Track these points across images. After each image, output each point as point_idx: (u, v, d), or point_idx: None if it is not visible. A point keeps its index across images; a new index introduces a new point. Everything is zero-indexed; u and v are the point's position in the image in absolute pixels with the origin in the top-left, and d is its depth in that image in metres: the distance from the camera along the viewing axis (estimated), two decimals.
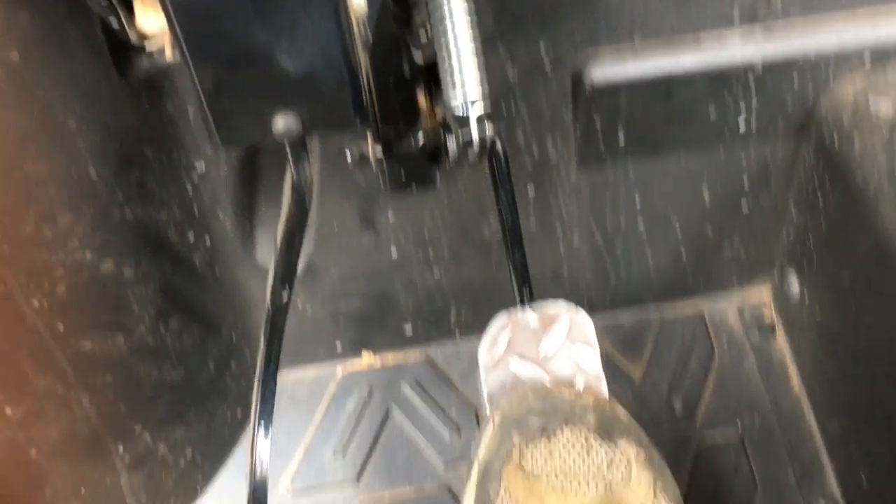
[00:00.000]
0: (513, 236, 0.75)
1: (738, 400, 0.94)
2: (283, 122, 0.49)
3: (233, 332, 0.90)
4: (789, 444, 0.91)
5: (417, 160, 0.69)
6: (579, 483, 0.64)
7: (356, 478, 0.92)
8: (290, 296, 0.64)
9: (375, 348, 0.99)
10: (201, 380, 0.87)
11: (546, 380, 0.72)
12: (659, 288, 0.98)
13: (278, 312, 0.64)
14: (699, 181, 0.88)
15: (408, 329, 0.97)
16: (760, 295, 1.00)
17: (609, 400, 0.69)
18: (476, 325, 0.98)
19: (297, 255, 0.62)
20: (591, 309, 0.78)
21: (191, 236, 0.81)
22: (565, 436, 0.65)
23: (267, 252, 0.88)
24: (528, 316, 0.73)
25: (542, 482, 0.65)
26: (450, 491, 0.91)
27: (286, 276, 0.62)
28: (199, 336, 0.85)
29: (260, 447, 0.68)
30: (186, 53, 0.46)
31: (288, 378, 0.98)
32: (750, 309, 0.99)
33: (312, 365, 0.99)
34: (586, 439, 0.65)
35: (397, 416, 0.96)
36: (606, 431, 0.66)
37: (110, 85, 0.70)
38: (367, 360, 0.99)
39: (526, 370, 0.72)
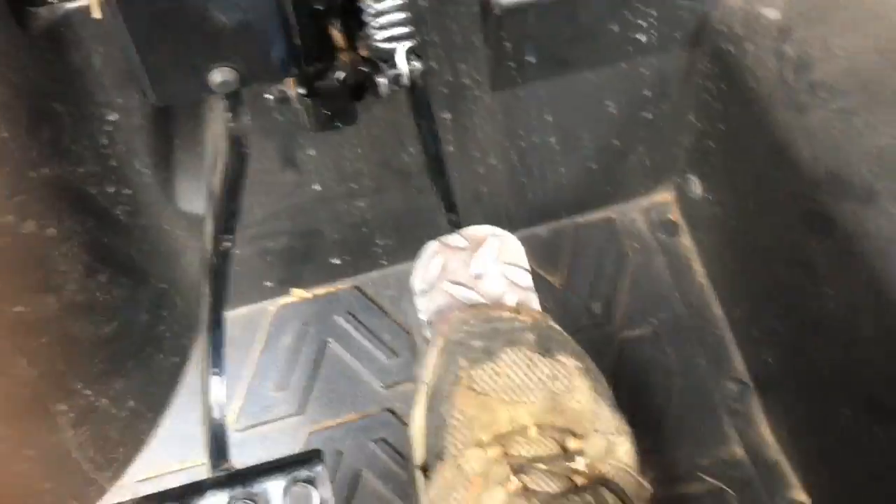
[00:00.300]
0: (437, 164, 0.78)
1: (651, 297, 1.01)
2: (219, 76, 0.50)
3: (162, 281, 0.89)
4: (699, 333, 0.99)
5: (340, 96, 0.70)
6: (527, 396, 0.68)
7: (300, 410, 0.95)
8: (233, 242, 0.65)
9: (305, 284, 1.01)
10: (135, 331, 0.87)
11: (479, 299, 0.76)
12: (572, 200, 1.03)
13: (222, 259, 0.65)
14: (605, 95, 0.92)
15: (335, 261, 0.99)
16: (665, 198, 1.06)
17: (545, 316, 0.74)
18: (402, 251, 1.01)
19: (239, 203, 0.63)
20: (511, 225, 0.82)
21: (111, 189, 0.80)
22: (509, 356, 0.69)
23: (190, 198, 0.87)
24: (457, 240, 0.76)
25: (492, 398, 0.68)
26: (392, 412, 0.95)
27: (228, 223, 0.63)
28: (128, 288, 0.85)
29: (214, 390, 0.69)
30: (120, 14, 0.45)
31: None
32: (656, 212, 1.06)
33: (244, 305, 1.00)
34: (528, 357, 0.69)
35: (334, 346, 0.98)
36: (546, 348, 0.70)
37: (11, 39, 0.68)
38: (298, 295, 1.01)
39: (459, 292, 0.75)
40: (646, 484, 0.69)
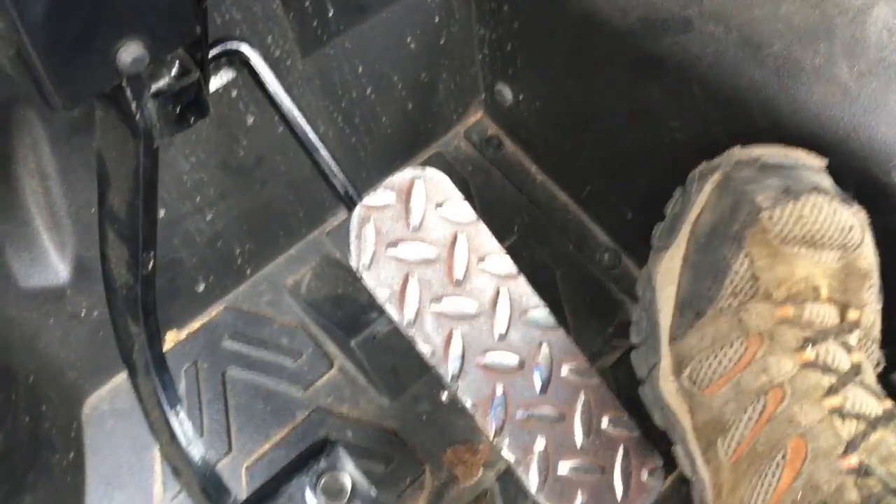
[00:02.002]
0: (307, 141, 0.73)
1: (504, 209, 1.05)
2: (128, 54, 0.44)
3: (28, 374, 0.78)
4: (559, 223, 1.05)
5: (191, 84, 0.65)
6: (825, 251, 0.61)
7: (227, 450, 0.88)
8: (154, 262, 0.58)
9: (176, 324, 0.92)
10: (22, 439, 0.75)
11: (430, 253, 0.73)
12: (401, 147, 1.03)
13: (146, 285, 0.58)
14: (403, 32, 0.94)
15: (200, 288, 0.92)
16: (479, 117, 1.10)
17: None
18: (263, 253, 0.96)
19: (156, 212, 0.56)
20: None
21: None
22: (814, 198, 0.61)
23: (28, 270, 0.76)
24: (382, 197, 0.71)
25: (790, 249, 0.60)
26: (321, 410, 0.91)
27: (148, 240, 0.56)
28: None
29: (183, 430, 0.62)
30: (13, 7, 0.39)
31: (99, 397, 0.88)
32: (477, 133, 1.09)
33: (121, 373, 0.89)
34: (831, 203, 0.61)
35: (234, 372, 0.91)
36: (843, 198, 0.63)
37: None
38: (173, 339, 0.92)
39: (406, 252, 0.72)
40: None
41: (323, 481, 0.59)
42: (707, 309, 0.62)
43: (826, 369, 0.59)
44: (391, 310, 0.71)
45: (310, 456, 0.59)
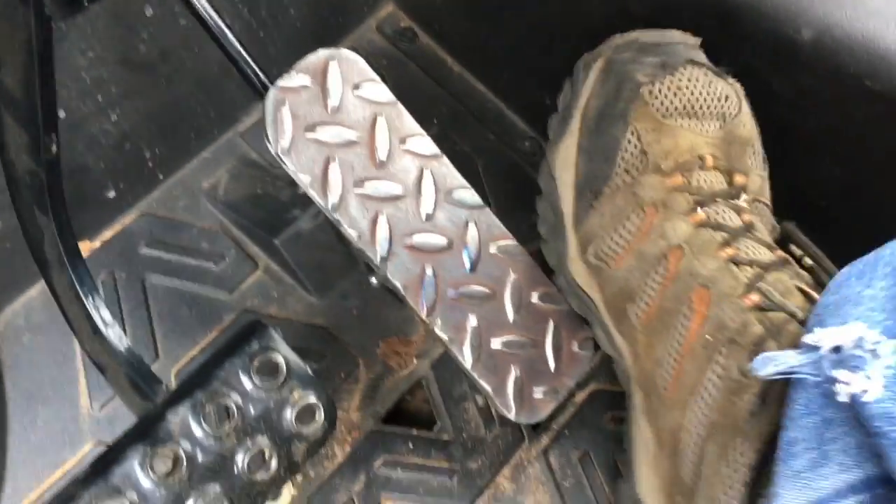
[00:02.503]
0: (215, 28, 0.69)
1: (421, 100, 1.03)
2: None
3: None
4: (477, 113, 1.04)
5: None
6: (705, 122, 0.64)
7: (154, 356, 0.86)
8: (59, 146, 0.54)
9: (88, 233, 0.88)
10: None
11: (350, 134, 0.70)
12: (312, 42, 1.00)
13: (52, 171, 0.55)
14: None
15: (111, 194, 0.88)
16: (390, 9, 1.07)
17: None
18: (174, 157, 0.92)
19: (55, 91, 0.52)
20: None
21: None
22: (689, 71, 0.63)
23: None
24: (297, 78, 0.69)
25: (673, 121, 0.63)
26: (249, 311, 0.89)
27: (48, 120, 0.52)
28: None
29: (101, 319, 0.59)
30: None
31: (13, 312, 0.84)
32: (389, 25, 1.06)
33: (34, 285, 0.85)
34: (706, 74, 0.64)
35: (154, 279, 0.88)
36: (717, 71, 0.66)
37: None
38: (86, 249, 0.88)
39: (325, 135, 0.69)
40: (788, 222, 0.68)
41: (256, 362, 0.58)
42: (604, 188, 0.65)
43: (718, 227, 0.62)
44: (314, 195, 0.69)
45: (241, 339, 0.58)
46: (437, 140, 1.02)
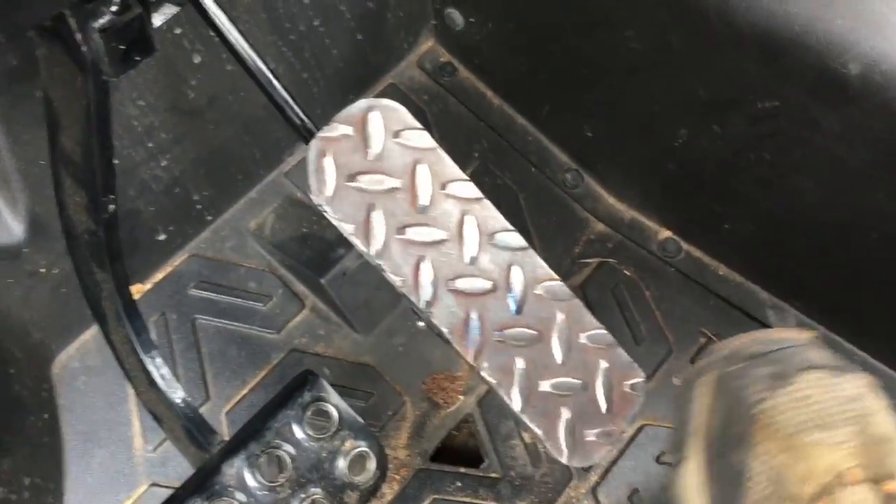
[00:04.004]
0: (260, 75, 0.70)
1: (463, 135, 1.04)
2: None
3: None
4: (519, 145, 1.04)
5: (132, 22, 0.62)
6: (835, 430, 0.58)
7: (206, 397, 0.87)
8: (116, 204, 0.55)
9: (140, 276, 0.90)
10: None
11: (392, 182, 0.70)
12: (353, 79, 1.01)
13: (109, 229, 0.56)
14: None
15: (161, 237, 0.89)
16: (430, 44, 1.08)
17: (814, 334, 0.65)
18: (222, 198, 0.94)
19: (112, 152, 0.53)
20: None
21: None
22: (805, 379, 0.59)
23: None
24: (339, 128, 0.69)
25: (801, 438, 0.57)
26: (296, 350, 0.90)
27: (107, 181, 0.54)
28: None
29: (160, 374, 0.60)
30: None
31: (68, 355, 0.86)
32: (429, 61, 1.07)
33: (88, 329, 0.87)
34: (827, 376, 0.59)
35: (203, 321, 0.90)
36: (837, 366, 0.61)
37: None
38: (139, 291, 0.90)
39: (367, 183, 0.69)
40: None
41: (309, 413, 0.58)
42: None
43: None
44: (357, 242, 0.70)
45: (293, 390, 0.59)
46: (479, 174, 1.03)
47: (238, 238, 0.94)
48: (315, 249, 0.92)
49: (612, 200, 1.02)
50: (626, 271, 0.98)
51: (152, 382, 0.60)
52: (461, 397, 0.90)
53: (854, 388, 0.60)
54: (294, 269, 0.93)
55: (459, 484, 0.85)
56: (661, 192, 0.98)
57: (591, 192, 1.03)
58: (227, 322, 0.90)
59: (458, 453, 0.91)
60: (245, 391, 0.88)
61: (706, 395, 0.62)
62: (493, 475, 0.85)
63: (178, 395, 0.60)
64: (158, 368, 0.60)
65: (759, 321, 0.93)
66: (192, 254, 0.93)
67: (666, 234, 1.00)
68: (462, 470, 0.86)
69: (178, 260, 0.92)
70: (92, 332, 0.87)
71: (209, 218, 0.93)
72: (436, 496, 0.84)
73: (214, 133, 0.88)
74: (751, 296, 0.95)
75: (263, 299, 0.92)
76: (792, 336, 0.64)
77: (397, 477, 0.85)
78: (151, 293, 0.90)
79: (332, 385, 0.86)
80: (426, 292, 0.71)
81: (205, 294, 0.91)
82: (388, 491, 0.84)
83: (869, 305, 0.86)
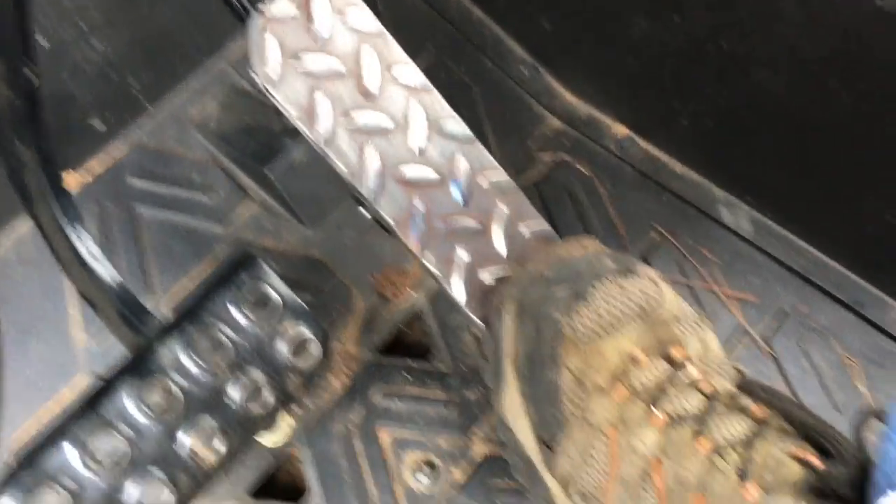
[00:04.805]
0: None
1: (417, 28, 1.00)
2: None
3: None
4: (475, 40, 1.01)
5: None
6: (624, 325, 0.62)
7: (148, 289, 0.85)
8: (39, 74, 0.52)
9: (77, 165, 0.86)
10: None
11: (340, 66, 0.67)
12: None
13: (32, 101, 0.52)
14: None
15: (97, 124, 0.85)
16: None
17: (594, 239, 0.68)
18: (160, 85, 0.90)
19: (31, 15, 0.49)
20: None
21: None
22: (600, 290, 0.62)
23: None
24: (281, 6, 0.65)
25: (595, 342, 0.61)
26: (243, 243, 0.88)
27: (26, 47, 0.50)
28: None
29: (88, 251, 0.57)
30: None
31: (6, 247, 0.83)
32: None
33: (24, 220, 0.84)
34: (617, 283, 0.63)
35: (144, 211, 0.87)
36: (626, 268, 0.64)
37: None
38: (76, 181, 0.87)
39: (315, 65, 0.66)
40: (740, 367, 0.65)
41: (248, 295, 0.56)
42: (560, 432, 0.62)
43: (682, 419, 0.59)
44: (303, 127, 0.67)
45: (231, 271, 0.57)
46: (433, 67, 1.00)
47: (180, 128, 0.91)
48: (261, 141, 0.89)
49: (569, 96, 1.00)
50: (581, 168, 0.97)
51: (83, 263, 0.57)
52: (411, 291, 0.89)
53: (640, 284, 0.64)
54: (239, 161, 0.89)
55: (409, 376, 0.85)
56: (619, 87, 0.96)
57: (548, 87, 1.00)
58: (169, 213, 0.87)
59: (408, 348, 0.90)
60: (190, 285, 0.85)
61: (512, 322, 0.64)
62: (442, 368, 0.85)
63: (111, 276, 0.58)
64: (89, 249, 0.58)
65: (712, 218, 0.93)
66: (131, 143, 0.89)
67: (623, 131, 0.98)
68: (411, 363, 0.86)
69: (116, 149, 0.88)
70: (28, 224, 0.84)
71: (148, 106, 0.89)
72: (385, 387, 0.83)
73: (150, 14, 0.83)
74: (705, 193, 0.94)
75: (208, 191, 0.89)
76: (579, 251, 0.66)
77: (346, 370, 0.84)
78: (90, 184, 0.87)
79: (281, 278, 0.85)
80: (372, 181, 0.69)
81: (145, 184, 0.88)
82: (337, 383, 0.83)
83: (820, 201, 0.86)
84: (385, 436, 0.82)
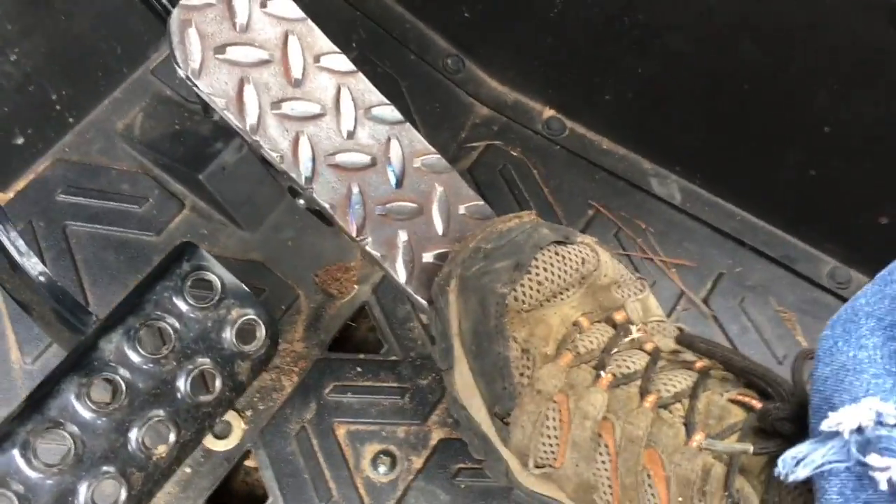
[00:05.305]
0: None
1: (338, 26, 1.00)
2: None
3: None
4: (398, 33, 1.01)
5: None
6: (565, 293, 0.63)
7: (85, 305, 0.82)
8: None
9: (2, 184, 0.84)
10: None
11: (261, 54, 0.67)
12: None
13: None
14: None
15: (19, 141, 0.83)
16: None
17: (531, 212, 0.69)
18: (82, 98, 0.89)
19: None
20: None
21: None
22: (541, 260, 0.63)
23: None
24: (206, 8, 0.65)
25: (539, 311, 0.62)
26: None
27: None
28: None
29: (20, 248, 0.55)
30: None
31: None
32: None
33: None
34: (555, 252, 0.64)
35: (74, 227, 0.85)
36: (564, 235, 0.65)
37: None
38: (1, 199, 0.84)
39: (237, 55, 0.66)
40: (681, 325, 0.68)
41: (189, 282, 0.56)
42: (513, 404, 0.63)
43: (628, 378, 0.60)
44: (231, 118, 0.66)
45: (171, 262, 0.56)
46: (357, 63, 0.99)
47: (105, 140, 0.89)
48: (189, 146, 0.88)
49: (494, 83, 1.02)
50: (512, 152, 0.98)
51: (14, 264, 0.56)
52: (356, 286, 0.89)
53: (579, 252, 0.65)
54: (169, 167, 0.88)
55: (360, 369, 0.84)
56: (541, 70, 0.98)
57: (474, 76, 1.02)
58: (100, 227, 0.85)
59: (359, 344, 0.90)
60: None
61: (455, 300, 0.64)
62: (393, 358, 0.85)
63: (42, 275, 0.57)
64: (18, 248, 0.56)
65: (644, 189, 0.95)
66: (56, 158, 0.87)
67: (549, 112, 1.00)
68: (362, 356, 0.85)
69: (41, 166, 0.86)
70: None
71: (71, 120, 0.88)
72: (336, 383, 0.83)
73: (67, 25, 0.82)
74: (634, 166, 0.96)
75: (139, 201, 0.87)
76: (516, 222, 0.67)
77: (296, 369, 0.83)
78: (15, 201, 0.85)
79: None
80: (306, 168, 0.69)
81: (74, 199, 0.86)
82: (288, 383, 0.82)
83: (743, 162, 0.89)
84: (341, 430, 0.81)
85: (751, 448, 0.53)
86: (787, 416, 0.54)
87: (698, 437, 0.56)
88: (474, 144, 0.98)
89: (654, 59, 0.85)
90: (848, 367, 0.47)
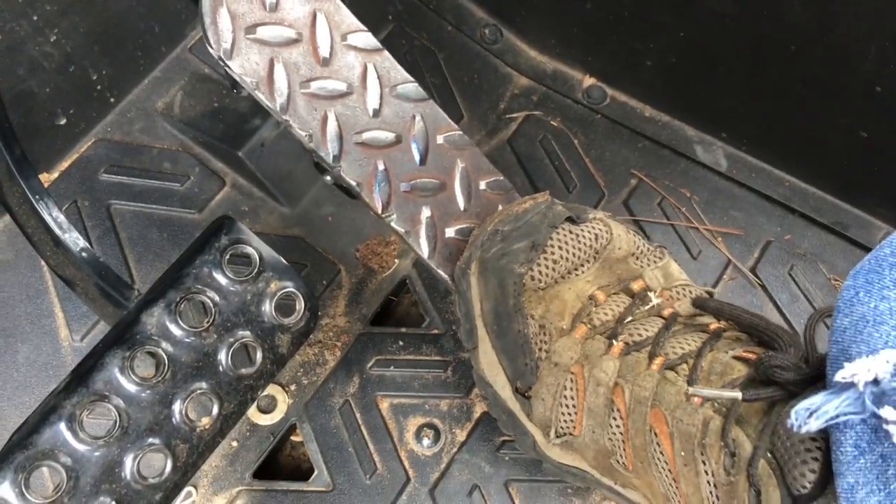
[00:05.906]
0: None
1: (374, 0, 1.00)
2: None
3: None
4: (433, 6, 1.00)
5: None
6: (579, 269, 0.65)
7: (130, 282, 0.83)
8: None
9: (45, 164, 0.85)
10: None
11: (290, 33, 0.67)
12: None
13: None
14: None
15: (62, 121, 0.84)
16: None
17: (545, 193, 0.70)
18: (122, 77, 0.89)
19: None
20: None
21: None
22: (556, 239, 0.65)
23: None
24: None
25: (553, 288, 0.64)
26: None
27: None
28: None
29: (61, 224, 0.56)
30: None
31: None
32: None
33: None
34: (569, 231, 0.65)
35: (118, 206, 0.86)
36: (577, 214, 0.67)
37: None
38: (46, 180, 0.85)
39: (268, 35, 0.66)
40: (709, 288, 0.69)
41: (228, 257, 0.56)
42: (534, 378, 0.65)
43: (638, 345, 0.61)
44: (262, 97, 0.67)
45: (209, 236, 0.56)
46: (394, 36, 1.00)
47: (146, 119, 0.90)
48: (229, 123, 0.88)
49: (533, 53, 1.00)
50: (552, 122, 0.96)
51: (57, 241, 0.56)
52: (396, 260, 0.89)
53: (592, 229, 0.66)
54: (209, 145, 0.89)
55: (402, 343, 0.84)
56: (581, 37, 0.96)
57: (512, 46, 1.00)
58: (144, 205, 0.86)
59: (401, 319, 0.90)
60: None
61: (476, 281, 0.66)
62: (435, 331, 0.85)
63: (84, 251, 0.57)
64: (60, 224, 0.57)
65: (688, 157, 0.93)
66: (98, 138, 0.88)
67: (590, 81, 0.98)
68: (403, 330, 0.85)
69: (84, 145, 0.87)
70: (1, 226, 0.83)
71: (112, 100, 0.88)
72: (379, 357, 0.83)
73: (104, 4, 0.82)
74: (678, 133, 0.94)
75: (180, 179, 0.88)
76: (531, 203, 0.68)
77: (338, 344, 0.84)
78: (60, 181, 0.86)
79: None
80: (333, 146, 0.69)
81: (117, 178, 0.87)
82: (331, 357, 0.83)
83: (790, 125, 0.86)
84: (384, 404, 0.81)
85: (739, 394, 0.53)
86: (784, 365, 0.53)
87: (690, 389, 0.57)
88: (513, 115, 0.97)
89: (697, 21, 0.83)
90: (868, 318, 0.46)
